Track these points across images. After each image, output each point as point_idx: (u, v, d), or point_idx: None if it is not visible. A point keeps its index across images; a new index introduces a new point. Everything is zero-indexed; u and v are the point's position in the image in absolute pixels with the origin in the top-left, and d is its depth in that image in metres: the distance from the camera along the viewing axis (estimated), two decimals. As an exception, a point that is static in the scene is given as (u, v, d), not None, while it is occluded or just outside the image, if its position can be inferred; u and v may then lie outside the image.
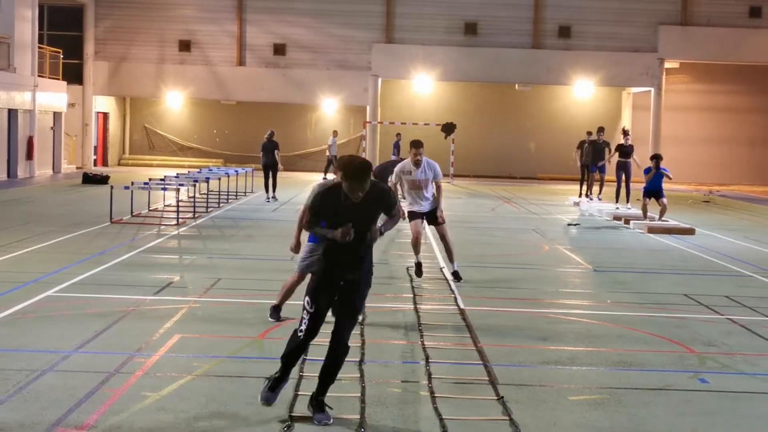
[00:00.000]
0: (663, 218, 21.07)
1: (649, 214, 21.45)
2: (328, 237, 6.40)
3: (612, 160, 25.59)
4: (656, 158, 21.29)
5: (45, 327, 8.94)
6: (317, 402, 6.39)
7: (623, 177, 24.02)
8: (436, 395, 7.01)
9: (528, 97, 42.60)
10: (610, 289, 12.52)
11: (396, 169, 12.39)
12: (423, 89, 41.98)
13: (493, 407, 6.78)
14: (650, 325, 10.01)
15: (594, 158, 25.95)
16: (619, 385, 7.54)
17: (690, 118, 42.78)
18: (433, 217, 12.38)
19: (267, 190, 25.76)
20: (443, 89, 42.66)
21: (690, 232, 19.89)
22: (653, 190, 21.03)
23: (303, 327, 6.40)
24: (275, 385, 6.52)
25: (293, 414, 6.45)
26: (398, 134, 37.86)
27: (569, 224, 21.50)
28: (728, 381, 7.83)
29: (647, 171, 21.22)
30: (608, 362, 8.33)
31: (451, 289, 11.77)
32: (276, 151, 25.69)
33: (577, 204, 27.23)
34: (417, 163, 12.08)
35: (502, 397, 6.97)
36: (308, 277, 7.86)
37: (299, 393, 6.91)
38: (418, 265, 12.48)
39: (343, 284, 6.42)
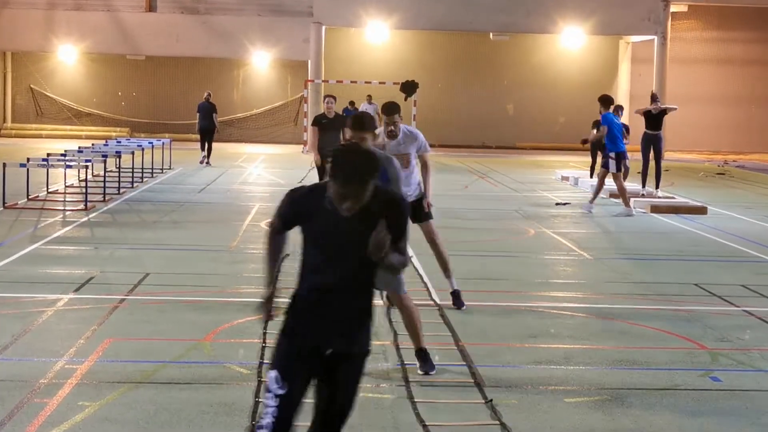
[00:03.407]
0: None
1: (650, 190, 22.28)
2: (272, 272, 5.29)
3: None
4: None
5: (-48, 331, 9.48)
6: None
7: (651, 153, 23.03)
8: (416, 400, 7.70)
9: (505, 48, 43.40)
10: (608, 279, 13.33)
11: None
12: (377, 40, 42.57)
13: (480, 411, 7.48)
14: (655, 320, 10.82)
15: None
16: (622, 386, 8.30)
17: (701, 72, 43.88)
18: (417, 210, 10.60)
19: (203, 150, 30.44)
20: (402, 40, 43.31)
21: (701, 211, 20.79)
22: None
23: (267, 420, 5.05)
24: None
25: (255, 422, 7.10)
26: (368, 96, 38.54)
27: (558, 204, 22.31)
28: (743, 379, 8.64)
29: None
30: (608, 361, 9.09)
31: (424, 282, 12.45)
32: (214, 114, 29.98)
33: (565, 179, 28.10)
34: (391, 135, 10.41)
35: (491, 401, 7.68)
36: None
37: (259, 399, 7.57)
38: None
39: (328, 354, 5.18)
